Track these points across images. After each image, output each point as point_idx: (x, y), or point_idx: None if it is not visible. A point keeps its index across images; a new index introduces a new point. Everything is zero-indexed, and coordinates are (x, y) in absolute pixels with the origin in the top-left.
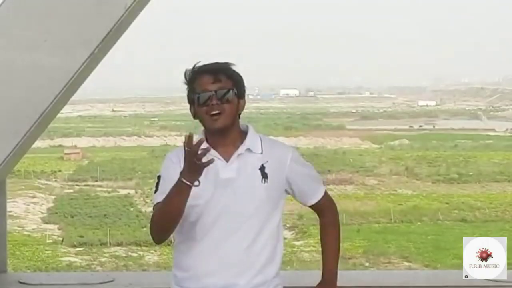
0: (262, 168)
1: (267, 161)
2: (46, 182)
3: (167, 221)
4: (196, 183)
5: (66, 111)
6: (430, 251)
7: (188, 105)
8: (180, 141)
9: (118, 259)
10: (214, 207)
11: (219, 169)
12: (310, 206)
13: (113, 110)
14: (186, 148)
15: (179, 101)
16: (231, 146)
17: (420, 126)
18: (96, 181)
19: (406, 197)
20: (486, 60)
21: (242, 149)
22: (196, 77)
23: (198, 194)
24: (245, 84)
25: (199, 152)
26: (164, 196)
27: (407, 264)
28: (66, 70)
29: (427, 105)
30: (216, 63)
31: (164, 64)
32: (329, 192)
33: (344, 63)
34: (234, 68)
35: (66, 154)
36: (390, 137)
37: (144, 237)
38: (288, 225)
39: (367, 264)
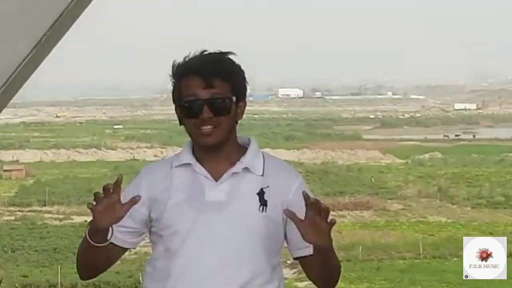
0: (261, 193)
1: (267, 186)
2: None
3: (89, 262)
4: (109, 236)
5: (6, 116)
6: None
7: (164, 108)
8: (151, 154)
9: None
10: (196, 237)
11: (206, 189)
12: (300, 260)
13: (57, 116)
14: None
15: (150, 103)
16: (224, 161)
17: (457, 135)
18: (44, 205)
19: (439, 226)
20: None
21: (238, 167)
22: (184, 76)
23: (176, 220)
24: None
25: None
26: None
27: None
28: (6, 65)
29: (465, 109)
30: (210, 57)
31: (132, 57)
32: (341, 219)
33: (360, 56)
34: (232, 60)
35: (5, 171)
36: (419, 149)
37: (106, 277)
38: (289, 262)
39: None
